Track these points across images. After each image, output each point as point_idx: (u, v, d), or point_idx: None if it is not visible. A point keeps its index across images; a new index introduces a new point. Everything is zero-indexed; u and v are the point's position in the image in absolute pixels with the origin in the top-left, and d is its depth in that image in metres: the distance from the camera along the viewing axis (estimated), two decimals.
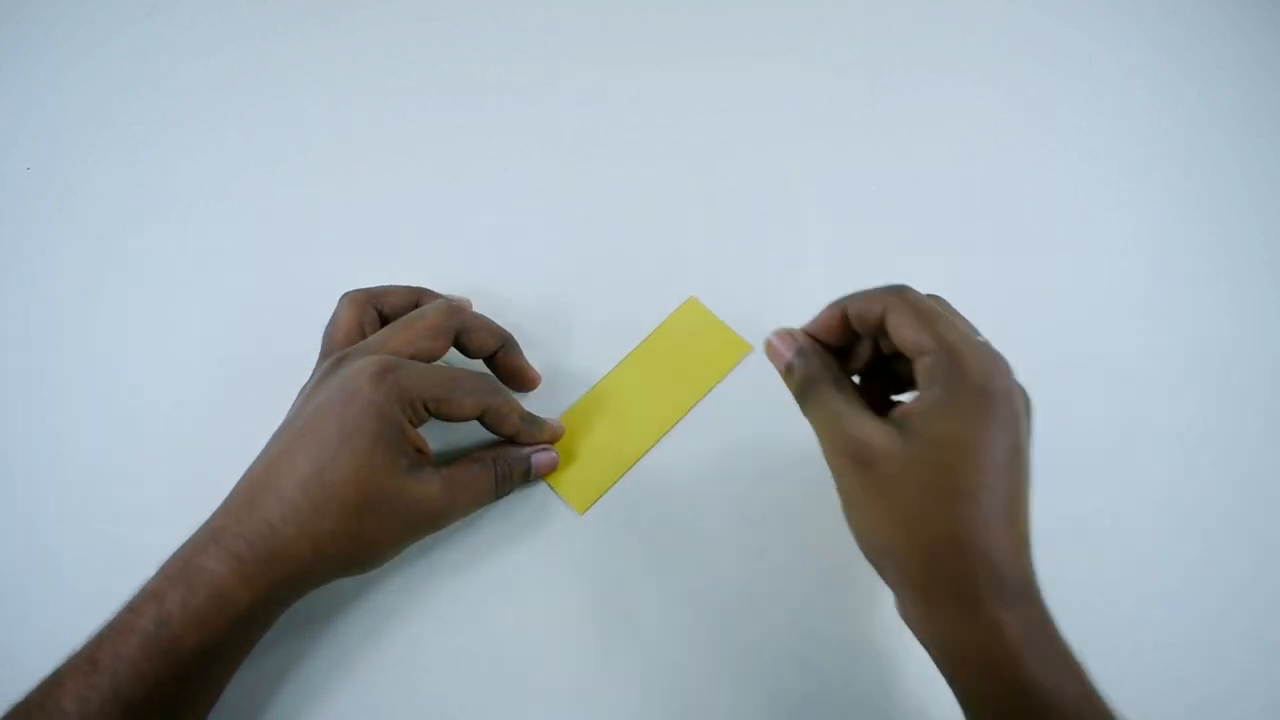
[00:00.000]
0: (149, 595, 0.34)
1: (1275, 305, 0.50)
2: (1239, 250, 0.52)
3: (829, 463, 0.34)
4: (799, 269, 0.51)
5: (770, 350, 0.37)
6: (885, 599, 0.35)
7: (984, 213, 0.52)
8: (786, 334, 0.37)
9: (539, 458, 0.43)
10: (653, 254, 0.51)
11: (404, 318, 0.41)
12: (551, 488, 0.44)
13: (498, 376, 0.44)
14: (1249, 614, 0.43)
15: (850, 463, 0.32)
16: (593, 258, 0.51)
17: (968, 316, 0.35)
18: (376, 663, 0.40)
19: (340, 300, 0.43)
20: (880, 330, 0.34)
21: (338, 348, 0.41)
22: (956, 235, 0.52)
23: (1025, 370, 0.47)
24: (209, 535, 0.35)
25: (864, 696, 0.39)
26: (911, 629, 0.32)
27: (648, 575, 0.42)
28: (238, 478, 0.37)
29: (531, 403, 0.45)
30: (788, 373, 0.36)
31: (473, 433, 0.43)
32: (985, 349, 0.32)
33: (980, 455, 0.30)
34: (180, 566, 0.35)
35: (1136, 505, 0.45)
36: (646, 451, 0.45)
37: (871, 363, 0.37)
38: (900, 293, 0.33)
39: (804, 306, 0.49)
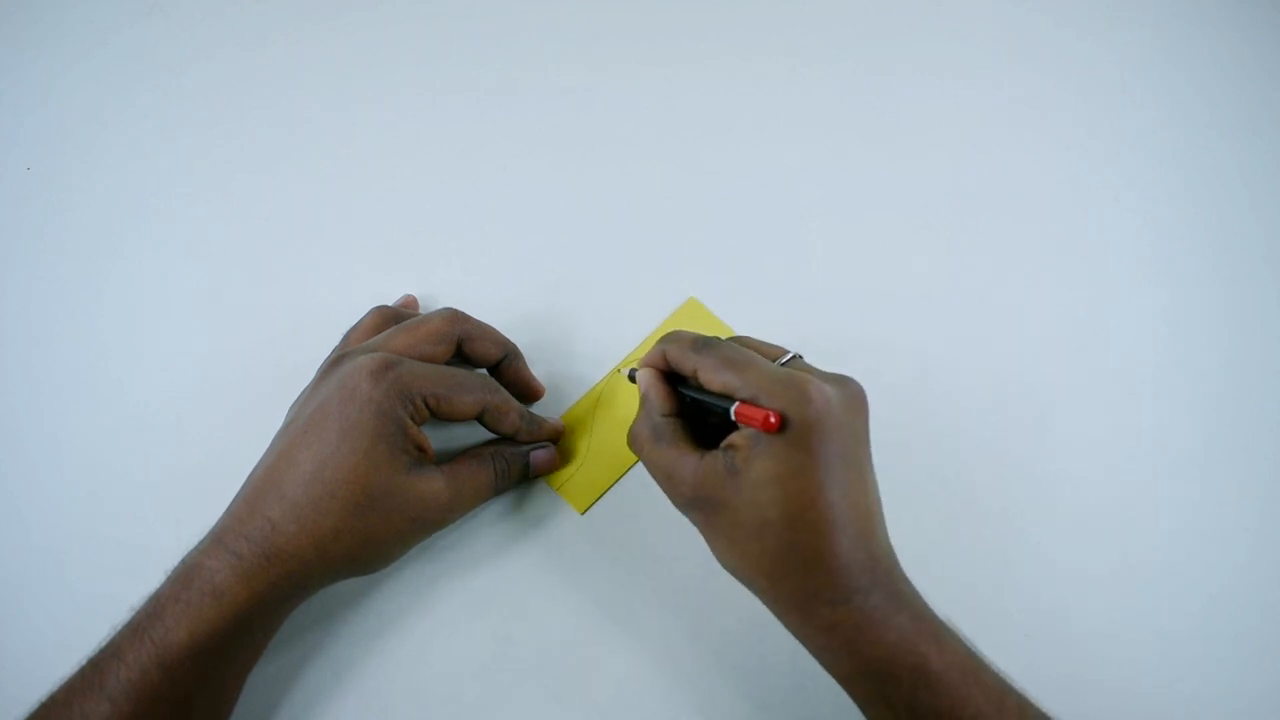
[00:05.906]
0: (150, 597, 0.35)
1: (1275, 305, 0.50)
2: (1239, 250, 0.52)
3: (674, 505, 0.37)
4: (799, 269, 0.51)
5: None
6: None
7: (983, 213, 0.52)
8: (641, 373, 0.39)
9: (537, 455, 0.43)
10: (653, 254, 0.51)
11: (407, 321, 0.41)
12: (552, 488, 0.44)
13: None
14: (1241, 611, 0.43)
15: (693, 511, 0.36)
16: (593, 258, 0.51)
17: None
18: (383, 664, 0.40)
19: (370, 310, 0.44)
20: (695, 378, 0.36)
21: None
22: (956, 235, 0.52)
23: (1024, 367, 0.48)
24: (213, 539, 0.36)
25: None
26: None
27: (648, 575, 0.42)
28: (240, 477, 0.38)
29: (533, 402, 0.45)
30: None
31: (473, 433, 0.43)
32: (786, 381, 0.33)
33: (797, 484, 0.32)
34: (182, 569, 0.35)
35: (1132, 503, 0.45)
36: None
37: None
38: (707, 349, 0.36)
39: (804, 306, 0.49)
